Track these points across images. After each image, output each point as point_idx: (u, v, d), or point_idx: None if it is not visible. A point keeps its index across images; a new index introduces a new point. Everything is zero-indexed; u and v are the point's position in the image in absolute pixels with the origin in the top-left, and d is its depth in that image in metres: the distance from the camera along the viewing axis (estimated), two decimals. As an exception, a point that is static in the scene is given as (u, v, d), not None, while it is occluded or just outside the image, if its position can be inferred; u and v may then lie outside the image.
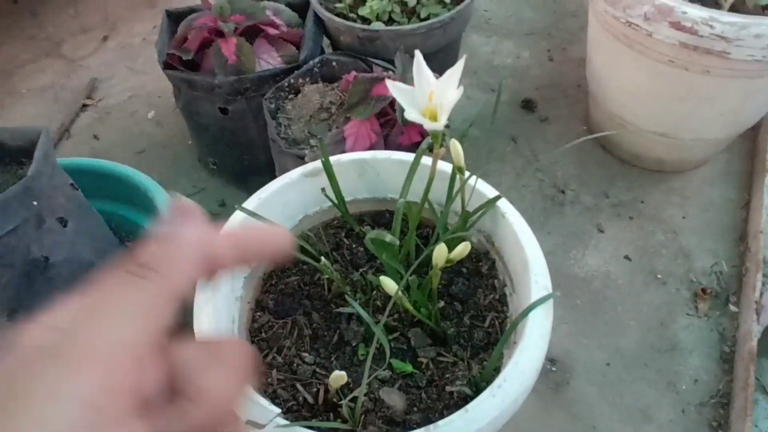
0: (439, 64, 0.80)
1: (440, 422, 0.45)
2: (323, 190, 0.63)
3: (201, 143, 1.05)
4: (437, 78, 0.46)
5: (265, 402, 0.47)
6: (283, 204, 0.64)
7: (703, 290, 0.91)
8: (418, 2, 0.95)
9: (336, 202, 0.64)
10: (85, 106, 1.30)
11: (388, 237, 0.50)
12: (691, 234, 1.01)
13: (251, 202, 0.61)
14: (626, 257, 0.97)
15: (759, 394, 0.77)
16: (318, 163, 0.65)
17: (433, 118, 0.44)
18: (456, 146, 0.54)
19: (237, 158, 0.99)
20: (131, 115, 1.27)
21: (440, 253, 0.48)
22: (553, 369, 0.82)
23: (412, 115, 0.42)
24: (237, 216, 0.62)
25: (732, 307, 0.89)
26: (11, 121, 1.30)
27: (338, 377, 0.46)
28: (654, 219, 1.03)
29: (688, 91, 0.90)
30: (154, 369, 0.25)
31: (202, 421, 0.25)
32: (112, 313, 0.24)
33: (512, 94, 1.27)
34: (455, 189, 0.59)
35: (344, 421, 0.51)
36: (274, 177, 0.95)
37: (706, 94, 0.89)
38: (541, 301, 0.52)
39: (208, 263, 0.28)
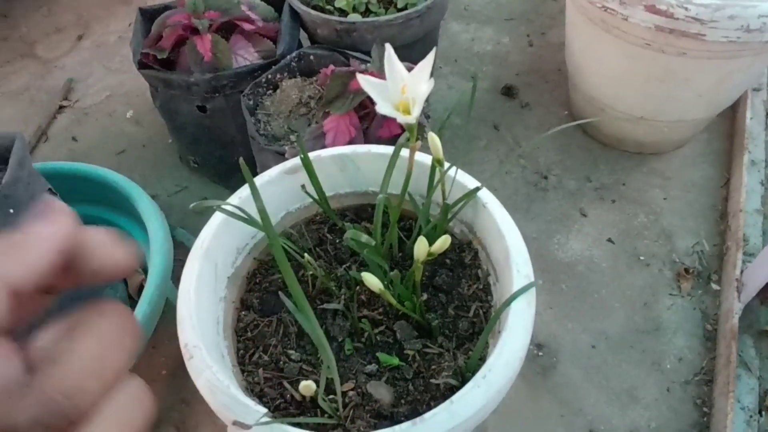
0: (418, 54, 0.79)
1: (426, 415, 0.46)
2: (303, 187, 0.63)
3: (181, 142, 1.04)
4: (410, 70, 0.46)
5: (250, 402, 0.47)
6: (265, 202, 0.64)
7: (686, 270, 0.92)
8: (393, -8, 0.95)
9: (317, 198, 0.64)
10: (62, 107, 1.29)
11: (364, 237, 0.50)
12: (672, 215, 1.02)
13: (232, 201, 0.61)
14: (609, 240, 0.98)
15: (741, 370, 0.79)
16: (297, 160, 0.65)
17: (407, 111, 0.43)
18: (434, 139, 0.54)
19: (218, 156, 0.98)
20: (109, 115, 1.26)
21: (421, 247, 0.49)
22: (540, 354, 0.83)
23: (384, 108, 0.42)
24: (217, 218, 0.62)
25: (714, 286, 0.91)
26: (-13, 125, 1.28)
27: (307, 386, 0.47)
28: (636, 201, 1.04)
29: (665, 74, 0.90)
30: None
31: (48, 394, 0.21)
32: None
33: (493, 81, 1.27)
34: (435, 181, 0.59)
35: (330, 417, 0.51)
36: (255, 174, 0.94)
37: (684, 76, 0.89)
38: (523, 290, 0.53)
39: (64, 260, 0.24)
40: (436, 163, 0.57)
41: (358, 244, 0.53)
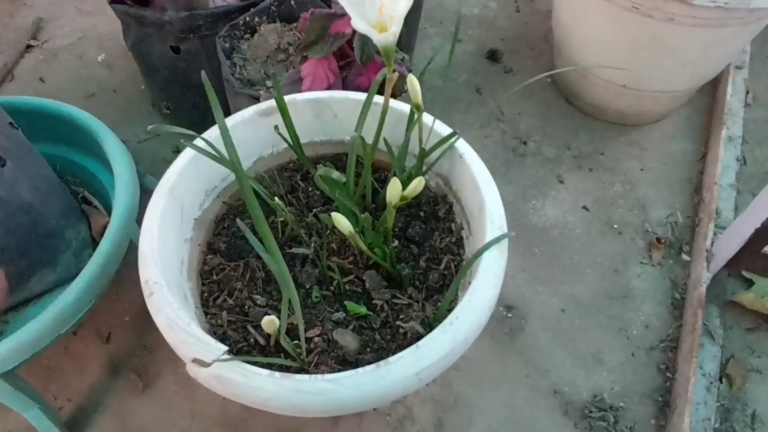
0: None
1: (391, 358, 0.45)
2: (276, 127, 0.61)
3: (153, 86, 1.00)
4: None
5: (210, 339, 0.46)
6: (237, 144, 0.61)
7: (658, 240, 0.93)
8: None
9: (290, 141, 0.62)
10: (29, 47, 1.23)
11: (335, 174, 0.48)
12: (648, 186, 1.02)
13: (200, 141, 0.59)
14: (584, 207, 0.97)
15: (705, 338, 0.80)
16: (272, 102, 0.63)
17: (383, 30, 0.42)
18: (413, 82, 0.52)
19: (191, 102, 0.95)
20: (80, 58, 1.21)
21: (394, 189, 0.47)
22: (509, 315, 0.83)
23: (360, 25, 0.40)
24: (187, 153, 0.60)
25: (684, 257, 0.91)
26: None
27: (270, 321, 0.45)
28: (613, 171, 1.04)
29: (651, 40, 0.89)
30: None
31: None
32: None
33: (478, 45, 1.25)
34: (413, 127, 0.57)
35: (293, 360, 0.50)
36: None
37: (669, 43, 0.88)
38: (496, 240, 0.52)
39: None
40: (415, 108, 0.55)
41: (328, 182, 0.51)
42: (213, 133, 0.60)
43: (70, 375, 0.74)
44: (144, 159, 1.00)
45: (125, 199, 0.66)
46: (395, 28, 0.41)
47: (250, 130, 0.64)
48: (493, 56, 1.22)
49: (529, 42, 1.28)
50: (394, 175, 0.56)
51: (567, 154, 1.06)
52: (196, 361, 0.45)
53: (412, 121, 0.58)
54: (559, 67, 1.15)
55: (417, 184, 0.47)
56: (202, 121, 0.99)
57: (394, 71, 0.47)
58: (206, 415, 0.71)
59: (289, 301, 0.47)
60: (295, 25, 0.84)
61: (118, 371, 0.75)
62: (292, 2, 0.84)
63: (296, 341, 0.52)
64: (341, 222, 0.48)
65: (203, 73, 0.37)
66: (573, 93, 1.14)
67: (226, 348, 0.45)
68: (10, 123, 0.70)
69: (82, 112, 0.79)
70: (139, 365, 0.75)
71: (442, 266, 0.60)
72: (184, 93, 0.94)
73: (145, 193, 0.70)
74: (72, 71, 1.18)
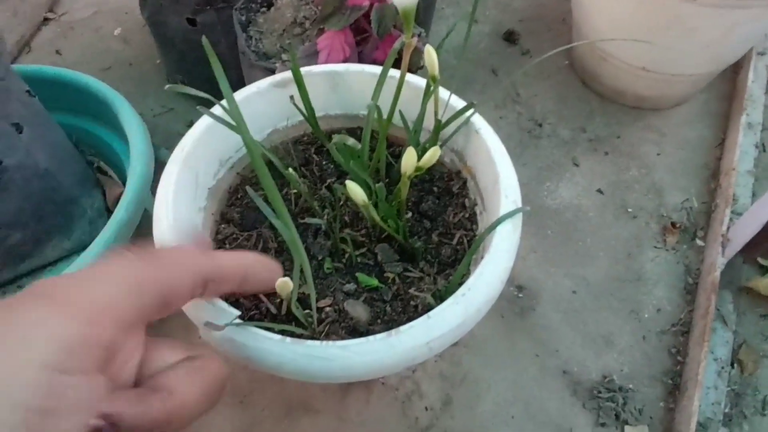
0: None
1: (402, 327, 0.45)
2: (291, 97, 0.60)
3: (169, 59, 1.00)
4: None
5: (224, 305, 0.46)
6: (251, 115, 0.61)
7: (673, 224, 0.92)
8: None
9: (305, 113, 0.61)
10: (46, 20, 1.23)
11: (350, 140, 0.48)
12: (664, 171, 1.01)
13: (216, 110, 0.59)
14: (599, 191, 0.97)
15: (718, 323, 0.79)
16: (288, 73, 0.63)
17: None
18: (431, 53, 0.51)
19: (206, 76, 0.94)
20: (96, 32, 1.21)
21: (409, 158, 0.47)
22: (520, 295, 0.83)
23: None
24: (202, 122, 0.60)
25: (699, 242, 0.90)
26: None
27: (283, 284, 0.45)
28: (629, 155, 1.03)
29: (671, 21, 0.87)
30: (129, 342, 0.27)
31: (158, 419, 0.26)
32: (103, 278, 0.27)
33: (495, 26, 1.24)
34: (429, 99, 0.57)
35: (304, 328, 0.50)
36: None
37: (690, 25, 0.87)
38: (510, 214, 0.51)
39: (205, 281, 0.32)
40: (431, 80, 0.55)
41: (343, 151, 0.51)
42: (237, 99, 0.60)
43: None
44: (158, 132, 1.01)
45: (140, 167, 0.67)
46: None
47: (265, 101, 0.64)
48: (510, 37, 1.21)
49: (547, 23, 1.26)
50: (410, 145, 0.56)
51: (582, 137, 1.05)
52: (208, 324, 0.45)
53: (428, 93, 0.57)
54: (578, 48, 1.14)
55: (433, 154, 0.47)
56: (216, 95, 1.00)
57: (412, 37, 0.46)
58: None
59: (301, 270, 0.47)
60: (311, -1, 0.83)
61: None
62: (309, -24, 0.84)
63: (308, 311, 0.52)
64: (355, 191, 0.48)
65: (204, 38, 0.36)
66: (591, 76, 1.12)
67: (238, 312, 0.45)
68: (28, 91, 0.70)
69: (99, 81, 0.79)
70: (150, 334, 0.76)
71: (455, 241, 0.60)
72: (198, 67, 0.94)
73: (159, 166, 0.71)
74: (88, 44, 1.19)
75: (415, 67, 0.74)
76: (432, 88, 0.54)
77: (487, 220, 0.59)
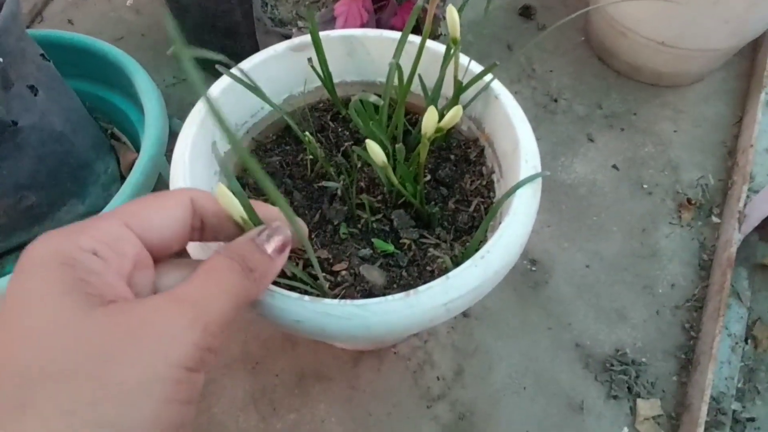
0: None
1: (420, 288, 0.45)
2: (309, 60, 0.60)
3: (182, 29, 1.00)
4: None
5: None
6: (268, 79, 0.61)
7: (688, 201, 0.91)
8: None
9: (323, 77, 0.61)
10: (59, -11, 1.23)
11: (373, 97, 0.47)
12: (680, 148, 0.99)
13: (235, 72, 0.58)
14: (614, 166, 0.96)
15: (732, 299, 0.78)
16: (306, 37, 0.62)
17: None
18: (452, 13, 0.51)
19: (219, 46, 0.94)
20: (108, 2, 1.20)
21: (431, 118, 0.46)
22: (533, 269, 0.82)
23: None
24: (219, 84, 0.60)
25: (714, 219, 0.89)
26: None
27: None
28: (645, 131, 1.01)
29: (693, -6, 0.86)
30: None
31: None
32: (219, 294, 0.31)
33: (510, 0, 1.22)
34: (449, 63, 0.56)
35: (320, 290, 0.50)
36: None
37: (713, -2, 0.85)
38: (530, 178, 0.51)
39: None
40: (452, 42, 0.54)
41: (362, 114, 0.50)
42: (247, 65, 0.60)
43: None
44: (171, 103, 1.00)
45: (155, 131, 0.67)
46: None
47: (282, 65, 0.63)
48: (525, 12, 1.19)
49: (564, -1, 1.24)
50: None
51: (598, 113, 1.04)
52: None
53: (448, 57, 0.57)
54: (594, 22, 1.12)
55: (455, 113, 0.46)
56: (229, 67, 0.99)
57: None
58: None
59: (319, 238, 0.46)
60: (327, -34, 0.82)
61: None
62: (325, -58, 0.83)
63: (323, 276, 0.52)
64: (375, 150, 0.47)
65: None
66: (607, 51, 1.11)
67: (256, 271, 0.45)
68: (42, 55, 0.70)
69: (114, 48, 0.79)
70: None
71: (472, 208, 0.60)
72: (212, 36, 0.93)
73: (172, 136, 0.70)
74: (100, 14, 1.18)
75: (434, 35, 0.73)
76: (453, 51, 0.54)
77: (504, 187, 0.58)
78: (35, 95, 0.64)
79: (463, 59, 0.60)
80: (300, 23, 0.76)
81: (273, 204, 0.37)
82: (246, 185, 0.62)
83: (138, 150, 0.77)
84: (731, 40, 0.97)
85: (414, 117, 0.67)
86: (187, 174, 0.52)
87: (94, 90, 0.82)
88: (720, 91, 1.09)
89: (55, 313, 0.24)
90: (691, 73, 1.06)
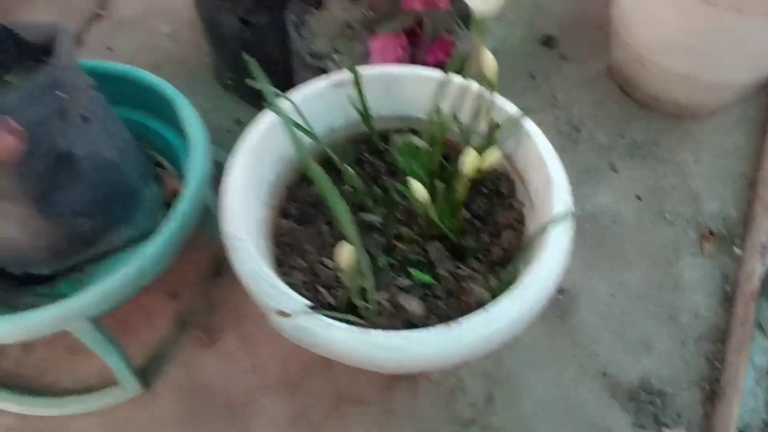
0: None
1: (461, 319, 0.47)
2: (351, 95, 0.63)
3: (219, 58, 1.03)
4: None
5: (293, 294, 0.49)
6: (310, 113, 0.64)
7: (710, 232, 0.93)
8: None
9: (362, 113, 0.64)
10: (98, 15, 1.28)
11: (418, 141, 0.50)
12: (701, 178, 1.01)
13: (284, 104, 0.61)
14: (637, 196, 0.98)
15: (756, 331, 0.80)
16: (346, 74, 0.65)
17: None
18: (488, 56, 0.53)
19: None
20: (146, 29, 1.25)
21: (471, 161, 0.49)
22: (560, 298, 0.84)
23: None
24: (268, 117, 0.62)
25: (736, 250, 0.91)
26: (22, 29, 1.27)
27: (348, 251, 0.45)
28: (667, 161, 1.03)
29: (716, 30, 0.88)
30: None
31: None
32: None
33: (533, 30, 1.25)
34: (482, 108, 0.59)
35: (365, 319, 0.53)
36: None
37: (736, 34, 0.87)
38: (563, 216, 0.53)
39: None
40: (488, 84, 0.57)
41: (408, 153, 0.53)
42: (296, 98, 0.63)
43: (140, 327, 0.78)
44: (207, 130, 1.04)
45: (200, 161, 0.70)
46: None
47: (324, 101, 0.66)
48: (548, 42, 1.22)
49: (585, 29, 1.27)
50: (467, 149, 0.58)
51: (620, 142, 1.06)
52: (279, 312, 0.48)
53: (482, 97, 0.59)
54: (617, 55, 1.15)
55: (495, 157, 0.49)
56: (261, 95, 1.02)
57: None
58: (267, 371, 0.75)
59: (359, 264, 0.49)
60: (361, 1, 0.86)
61: (185, 326, 0.79)
62: (360, -20, 0.86)
63: (363, 302, 0.55)
64: (418, 190, 0.50)
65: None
66: (629, 82, 1.13)
67: (308, 303, 0.48)
68: (92, 85, 0.73)
69: (158, 78, 0.83)
70: (204, 322, 0.79)
71: (504, 241, 0.62)
72: (246, 66, 0.96)
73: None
74: (138, 41, 1.23)
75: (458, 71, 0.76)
76: (490, 92, 0.56)
77: (535, 221, 0.61)
78: (89, 125, 0.67)
79: (497, 99, 0.63)
80: (335, 56, 0.79)
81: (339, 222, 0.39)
82: (288, 215, 0.65)
83: (180, 175, 0.80)
84: (753, 74, 0.99)
85: (449, 152, 0.70)
86: (239, 205, 0.55)
87: (138, 117, 0.85)
88: (740, 122, 1.11)
89: None
90: (712, 104, 1.08)
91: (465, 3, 0.49)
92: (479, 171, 0.52)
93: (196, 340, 0.77)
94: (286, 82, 0.92)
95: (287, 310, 0.48)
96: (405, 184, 0.57)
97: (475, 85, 0.65)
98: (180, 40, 1.23)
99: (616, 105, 1.13)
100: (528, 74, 1.17)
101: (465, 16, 0.75)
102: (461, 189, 0.53)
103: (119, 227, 0.70)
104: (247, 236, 0.53)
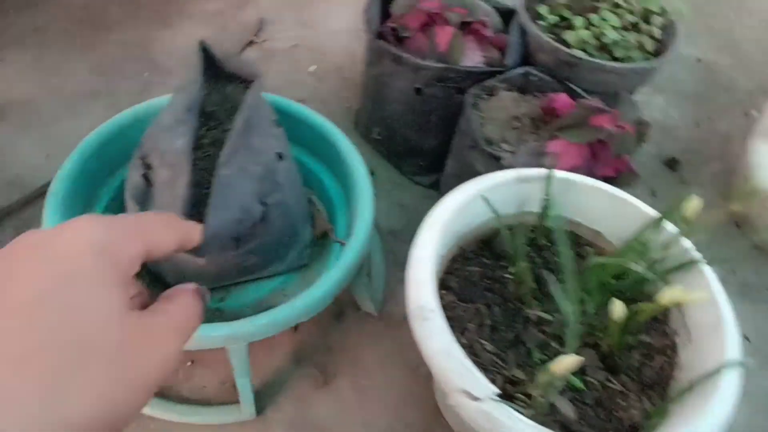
0: (612, 103, 0.81)
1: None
2: (541, 197, 0.66)
3: (373, 111, 1.08)
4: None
5: (482, 377, 0.51)
6: (494, 201, 0.67)
7: (817, 392, 0.92)
8: (615, 42, 0.97)
9: (543, 210, 0.67)
10: (251, 42, 1.36)
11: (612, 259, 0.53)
12: (809, 333, 1.01)
13: (470, 190, 0.65)
14: (745, 337, 0.98)
15: None
16: (533, 172, 0.69)
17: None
18: (695, 202, 0.57)
19: (404, 137, 1.03)
20: (293, 64, 1.32)
21: (617, 309, 0.52)
22: None
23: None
24: (460, 196, 0.66)
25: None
26: (179, 41, 1.36)
27: (568, 361, 0.48)
28: (776, 309, 1.04)
29: None
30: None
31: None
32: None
33: (657, 150, 1.29)
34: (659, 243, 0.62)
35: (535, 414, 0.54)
36: (429, 162, 1.00)
37: None
38: (733, 364, 0.55)
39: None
40: (683, 222, 0.60)
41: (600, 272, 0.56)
42: (486, 184, 0.67)
43: (259, 353, 0.81)
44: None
45: (367, 213, 0.73)
46: None
47: (506, 190, 0.70)
48: (671, 164, 1.26)
49: (706, 159, 1.30)
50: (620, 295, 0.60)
51: (732, 279, 1.07)
52: (466, 393, 0.50)
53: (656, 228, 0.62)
54: (738, 193, 1.17)
55: (651, 311, 0.51)
56: (402, 156, 1.07)
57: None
58: (376, 428, 0.76)
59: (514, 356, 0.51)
60: (530, 96, 0.91)
61: (302, 362, 0.81)
62: (534, 77, 0.91)
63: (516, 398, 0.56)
64: (618, 309, 0.52)
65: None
66: (745, 219, 1.15)
67: (497, 390, 0.50)
68: (275, 120, 0.77)
69: (325, 119, 0.87)
70: (320, 361, 0.81)
71: (656, 365, 0.64)
72: (403, 127, 1.02)
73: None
74: (286, 74, 1.30)
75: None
76: (684, 232, 0.59)
77: (693, 356, 0.62)
78: (283, 162, 0.71)
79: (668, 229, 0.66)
80: (504, 146, 0.83)
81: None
82: (449, 288, 0.68)
83: (330, 218, 0.84)
84: None
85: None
86: (429, 275, 0.58)
87: (296, 153, 0.90)
88: None
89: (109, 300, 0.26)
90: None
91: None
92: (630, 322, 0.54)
93: (310, 377, 0.80)
94: (438, 151, 0.97)
95: (474, 393, 0.50)
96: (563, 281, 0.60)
97: (646, 208, 0.68)
98: (324, 80, 1.30)
99: (729, 239, 1.15)
100: (650, 191, 1.20)
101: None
102: (645, 316, 0.56)
103: (276, 262, 0.74)
104: (438, 309, 0.55)
